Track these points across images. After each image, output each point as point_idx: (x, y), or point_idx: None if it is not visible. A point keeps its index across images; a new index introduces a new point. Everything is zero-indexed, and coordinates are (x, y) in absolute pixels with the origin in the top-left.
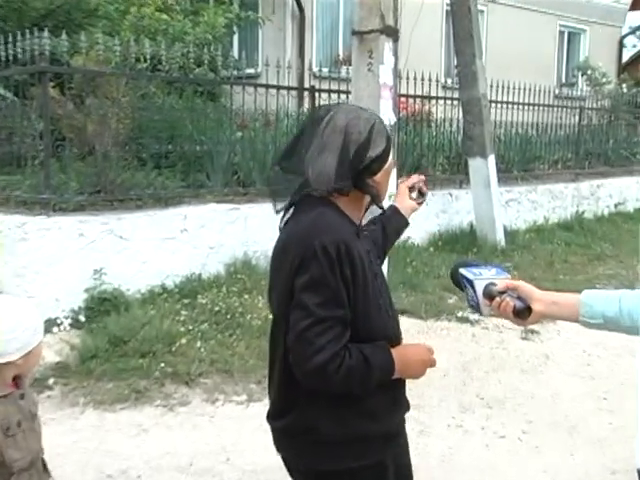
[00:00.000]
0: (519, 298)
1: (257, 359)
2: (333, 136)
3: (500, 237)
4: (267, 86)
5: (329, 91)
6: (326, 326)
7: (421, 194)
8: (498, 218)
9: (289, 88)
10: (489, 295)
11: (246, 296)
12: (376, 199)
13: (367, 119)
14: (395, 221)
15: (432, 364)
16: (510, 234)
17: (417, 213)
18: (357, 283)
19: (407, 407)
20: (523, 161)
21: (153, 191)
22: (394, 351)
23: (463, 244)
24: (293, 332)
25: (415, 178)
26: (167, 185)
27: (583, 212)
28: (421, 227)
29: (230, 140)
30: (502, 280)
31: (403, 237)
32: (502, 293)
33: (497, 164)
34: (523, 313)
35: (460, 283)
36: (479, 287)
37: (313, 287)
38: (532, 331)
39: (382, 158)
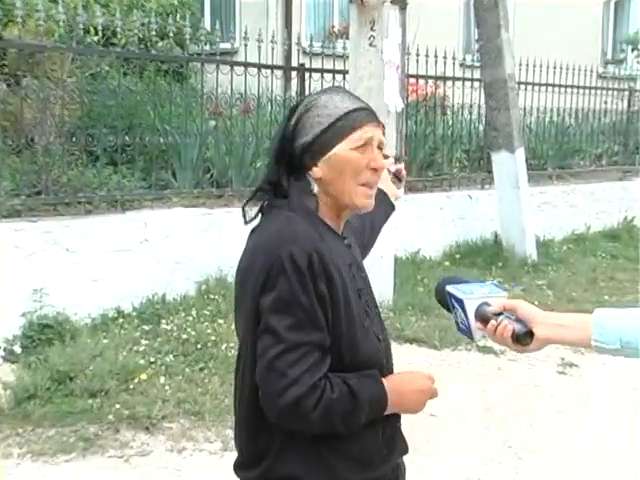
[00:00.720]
0: (518, 320)
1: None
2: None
3: (531, 249)
4: (246, 64)
5: (322, 71)
6: (300, 353)
7: (397, 179)
8: (528, 225)
9: (273, 67)
10: (482, 317)
11: (220, 321)
12: (337, 200)
13: (323, 105)
14: (382, 202)
15: (433, 395)
16: (543, 245)
17: (430, 220)
18: (336, 301)
19: (404, 450)
20: (559, 156)
21: (106, 193)
22: (386, 381)
23: (485, 257)
24: (261, 362)
25: (390, 162)
26: (124, 185)
27: (633, 218)
28: (434, 237)
29: (201, 130)
30: (497, 299)
31: (413, 249)
32: (498, 315)
33: (527, 159)
34: (524, 338)
35: (447, 303)
36: (470, 308)
37: (282, 307)
38: (570, 364)
39: (312, 148)
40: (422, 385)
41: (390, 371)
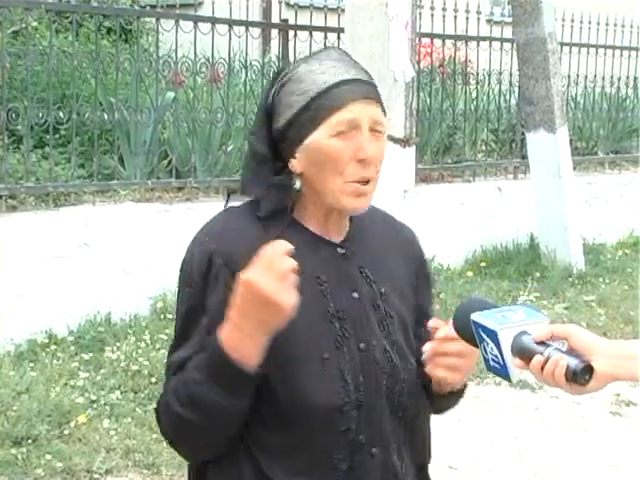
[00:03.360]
0: (571, 353)
1: None
2: None
3: (577, 255)
4: (214, 20)
5: (310, 28)
6: (168, 375)
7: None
8: (573, 225)
9: (248, 24)
10: (522, 351)
11: None
12: (322, 199)
13: (299, 78)
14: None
15: (280, 273)
16: (592, 250)
17: (448, 218)
18: None
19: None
20: (613, 137)
21: (35, 184)
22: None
23: (518, 266)
24: None
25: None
26: (57, 174)
27: None
28: (454, 240)
29: (156, 105)
30: (538, 326)
31: (426, 255)
32: (543, 346)
33: (572, 141)
34: (582, 376)
35: (472, 335)
36: (506, 340)
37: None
38: (627, 402)
39: (287, 135)
40: (262, 268)
41: (376, 437)
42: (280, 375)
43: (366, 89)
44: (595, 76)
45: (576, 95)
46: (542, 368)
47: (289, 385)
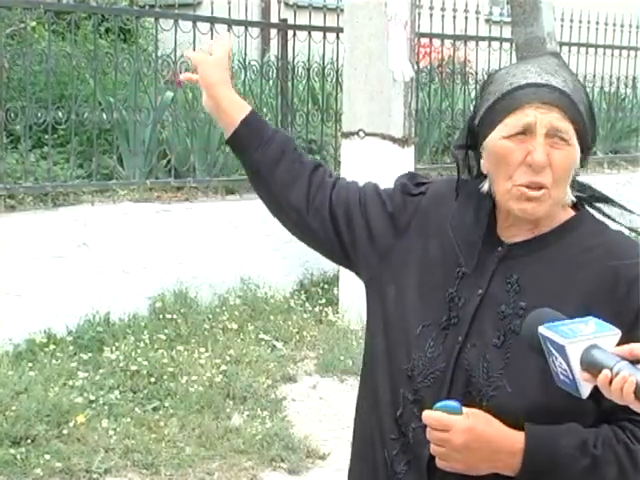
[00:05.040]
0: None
1: (197, 445)
2: None
3: None
4: (213, 20)
5: (309, 28)
6: None
7: None
8: None
9: (247, 23)
10: (591, 365)
11: (180, 348)
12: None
13: (497, 78)
14: None
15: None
16: None
17: None
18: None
19: None
20: (612, 136)
21: (33, 183)
22: None
23: None
24: None
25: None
26: (56, 174)
27: None
28: None
29: (155, 105)
30: (610, 339)
31: None
32: (614, 360)
33: None
34: None
35: (540, 348)
36: (574, 355)
37: None
38: None
39: (484, 119)
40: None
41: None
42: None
43: (552, 95)
44: (594, 76)
45: None
46: (610, 383)
47: (383, 330)
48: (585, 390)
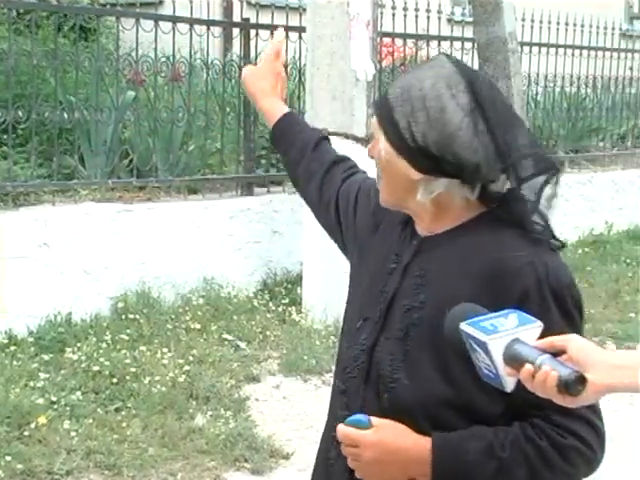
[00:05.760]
0: (564, 363)
1: (160, 446)
2: None
3: None
4: (175, 19)
5: (272, 27)
6: None
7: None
8: None
9: (210, 23)
10: (513, 359)
11: (143, 348)
12: None
13: None
14: None
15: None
16: None
17: None
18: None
19: None
20: (572, 136)
21: None
22: None
23: None
24: None
25: None
26: (16, 174)
27: None
28: None
29: (117, 104)
30: (531, 331)
31: None
32: (537, 353)
33: None
34: (574, 387)
35: (463, 343)
36: (496, 350)
37: None
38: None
39: None
40: None
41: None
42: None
43: (377, 103)
44: (555, 76)
45: (536, 94)
46: (533, 377)
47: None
48: (509, 384)
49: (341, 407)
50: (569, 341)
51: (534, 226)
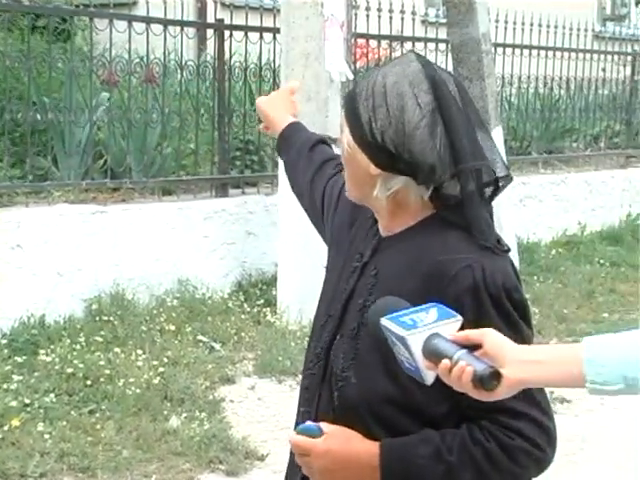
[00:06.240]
0: (480, 358)
1: (134, 448)
2: None
3: (511, 254)
4: (149, 20)
5: (246, 29)
6: None
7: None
8: (508, 225)
9: (183, 23)
10: (432, 354)
11: (117, 350)
12: None
13: None
14: None
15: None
16: (527, 249)
17: None
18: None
19: None
20: (546, 137)
21: None
22: None
23: None
24: None
25: None
26: None
27: (638, 215)
28: None
29: (91, 105)
30: (452, 325)
31: None
32: (454, 348)
33: (506, 141)
34: (488, 382)
35: (385, 337)
36: (415, 345)
37: None
38: (562, 400)
39: None
40: None
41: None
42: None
43: (344, 99)
44: (529, 77)
45: (510, 95)
46: (450, 371)
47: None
48: (429, 378)
49: (302, 404)
50: (485, 336)
51: (480, 230)
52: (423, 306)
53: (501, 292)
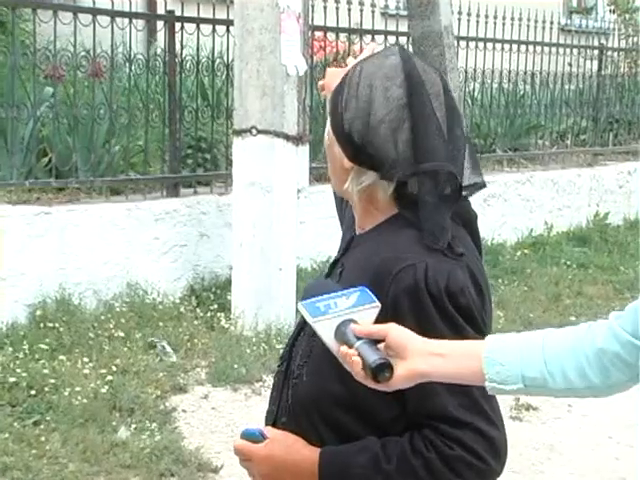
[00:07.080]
0: (376, 349)
1: (81, 461)
2: None
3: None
4: (95, 11)
5: (198, 20)
6: None
7: None
8: None
9: (132, 15)
10: (341, 340)
11: (63, 357)
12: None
13: None
14: None
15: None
16: (491, 251)
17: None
18: None
19: None
20: (511, 134)
21: None
22: None
23: None
24: None
25: None
26: None
27: (607, 214)
28: None
29: (34, 100)
30: (369, 311)
31: (321, 257)
32: (359, 339)
33: (470, 139)
34: (378, 373)
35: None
36: (324, 331)
37: None
38: (528, 407)
39: None
40: None
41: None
42: None
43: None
44: (492, 71)
45: (473, 91)
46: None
47: None
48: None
49: (269, 402)
50: (388, 329)
51: (430, 232)
52: (348, 290)
53: (443, 294)
